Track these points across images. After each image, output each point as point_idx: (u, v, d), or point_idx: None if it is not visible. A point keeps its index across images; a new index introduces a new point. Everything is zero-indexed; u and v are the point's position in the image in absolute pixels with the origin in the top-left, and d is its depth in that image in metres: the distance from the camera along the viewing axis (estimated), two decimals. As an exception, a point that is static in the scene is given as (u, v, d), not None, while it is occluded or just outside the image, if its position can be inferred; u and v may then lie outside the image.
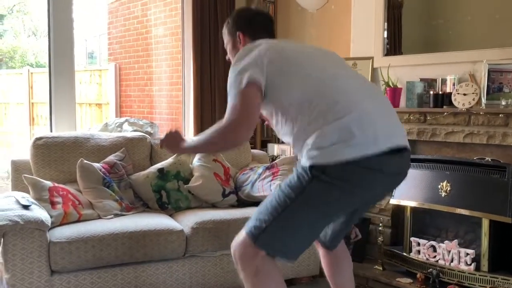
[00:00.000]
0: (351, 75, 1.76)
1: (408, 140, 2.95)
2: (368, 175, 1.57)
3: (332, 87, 1.63)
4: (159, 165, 2.95)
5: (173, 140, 1.83)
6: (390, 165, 1.60)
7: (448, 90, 2.87)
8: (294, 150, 1.72)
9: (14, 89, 7.09)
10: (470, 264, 2.58)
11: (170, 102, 5.68)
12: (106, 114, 6.52)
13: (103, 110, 6.59)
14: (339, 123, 1.55)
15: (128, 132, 4.81)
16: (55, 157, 2.77)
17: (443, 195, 2.72)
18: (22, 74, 6.87)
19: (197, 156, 3.08)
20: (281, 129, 1.71)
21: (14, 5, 11.32)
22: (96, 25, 8.65)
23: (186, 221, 2.62)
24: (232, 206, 2.96)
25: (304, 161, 1.59)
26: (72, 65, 3.35)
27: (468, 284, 2.55)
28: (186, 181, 2.94)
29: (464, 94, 2.74)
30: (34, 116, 6.71)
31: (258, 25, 1.90)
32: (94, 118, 6.62)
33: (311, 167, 1.56)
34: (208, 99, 3.78)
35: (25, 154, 2.88)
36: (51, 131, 3.26)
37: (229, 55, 1.96)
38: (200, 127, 3.75)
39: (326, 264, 2.02)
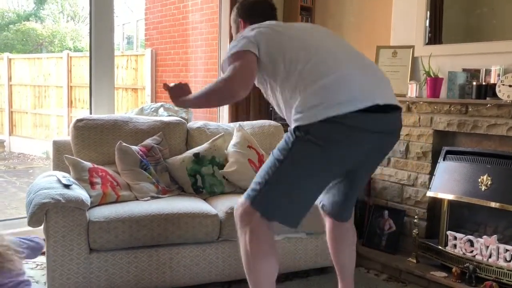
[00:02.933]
0: (338, 44, 1.87)
1: (448, 131, 2.91)
2: (347, 132, 1.64)
3: (315, 54, 1.75)
4: (195, 150, 2.98)
5: (180, 91, 1.92)
6: (369, 122, 1.66)
7: (492, 81, 2.77)
8: (287, 120, 1.84)
9: (53, 73, 7.28)
10: (510, 261, 2.51)
11: (204, 88, 5.71)
12: (141, 99, 6.62)
13: (139, 95, 6.70)
14: (318, 85, 1.66)
15: (165, 116, 4.88)
16: (95, 139, 2.84)
17: (483, 189, 2.65)
18: (62, 58, 7.04)
19: (232, 142, 3.10)
20: (273, 100, 1.86)
21: (55, -9, 11.58)
22: (133, 11, 8.76)
23: (221, 206, 2.65)
24: (266, 193, 2.96)
25: (291, 125, 1.71)
26: (112, 50, 3.41)
27: (507, 281, 2.48)
28: (221, 166, 2.96)
29: (510, 86, 2.64)
30: (73, 99, 6.88)
31: (257, 12, 2.06)
32: (130, 102, 6.74)
33: (296, 129, 1.67)
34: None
35: (63, 136, 2.95)
36: (90, 113, 3.34)
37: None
38: (235, 113, 3.76)
39: (330, 238, 2.11)
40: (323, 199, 2.04)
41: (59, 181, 2.43)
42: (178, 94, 1.91)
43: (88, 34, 3.37)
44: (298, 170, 1.70)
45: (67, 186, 2.37)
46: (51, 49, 10.61)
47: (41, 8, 11.67)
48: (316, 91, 1.66)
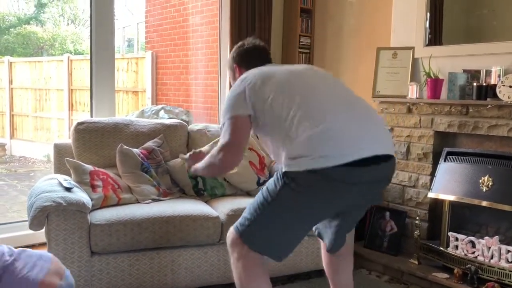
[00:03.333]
0: (331, 90, 1.86)
1: (449, 132, 2.90)
2: (331, 184, 1.67)
3: (304, 103, 1.76)
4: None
5: (196, 158, 2.14)
6: (354, 175, 1.68)
7: (492, 82, 2.77)
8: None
9: (54, 76, 7.29)
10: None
11: (206, 91, 5.72)
12: (142, 102, 6.63)
13: (139, 98, 6.70)
14: (305, 137, 1.67)
15: (165, 119, 4.89)
16: (96, 142, 2.84)
17: (484, 190, 2.65)
18: (62, 61, 7.05)
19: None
20: (268, 149, 1.92)
21: (55, -6, 11.61)
22: (134, 13, 8.77)
23: (222, 208, 2.65)
24: (267, 195, 2.96)
25: (281, 169, 1.75)
26: (113, 53, 3.41)
27: (509, 282, 2.48)
28: (222, 168, 2.96)
29: (510, 86, 2.64)
30: (73, 102, 6.89)
31: (250, 57, 2.11)
32: (131, 105, 6.74)
33: (284, 174, 1.72)
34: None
35: (64, 139, 2.95)
36: (91, 116, 3.34)
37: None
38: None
39: (326, 262, 2.14)
40: (318, 226, 2.06)
41: (60, 184, 2.43)
42: (194, 162, 2.12)
43: (89, 37, 3.38)
44: (285, 213, 1.75)
45: (68, 189, 2.37)
46: (52, 52, 10.63)
47: (42, 11, 11.70)
48: (302, 142, 1.68)
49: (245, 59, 2.12)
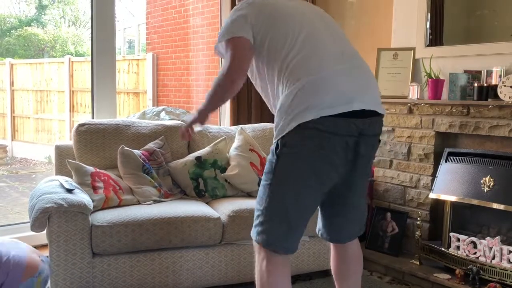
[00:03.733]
0: (331, 34, 1.81)
1: (450, 133, 2.90)
2: (320, 136, 1.61)
3: (304, 44, 1.71)
4: (197, 153, 2.99)
5: (186, 128, 1.97)
6: (342, 126, 1.63)
7: (493, 83, 2.77)
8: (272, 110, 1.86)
9: (55, 77, 7.31)
10: (513, 262, 2.51)
11: (207, 92, 5.72)
12: (143, 103, 6.64)
13: (140, 99, 6.71)
14: (299, 85, 1.64)
15: (166, 120, 4.88)
16: (97, 143, 2.84)
17: (485, 190, 2.65)
18: (63, 63, 7.06)
19: (234, 145, 3.10)
20: (260, 86, 1.88)
21: (56, -4, 11.63)
22: (135, 15, 8.79)
23: (223, 209, 2.65)
24: (268, 196, 2.96)
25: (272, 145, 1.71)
26: (113, 54, 3.42)
27: (510, 282, 2.47)
28: (223, 169, 2.96)
29: (511, 87, 2.64)
30: (74, 104, 6.90)
31: None
32: (132, 106, 6.75)
33: (275, 147, 1.68)
34: (244, 88, 3.78)
35: (66, 140, 2.95)
36: (92, 118, 3.34)
37: None
38: (236, 116, 3.76)
39: (334, 267, 2.00)
40: (318, 225, 1.97)
41: (62, 185, 2.44)
42: (189, 128, 1.97)
43: (90, 38, 3.38)
44: (286, 187, 1.68)
45: (69, 191, 2.38)
46: (53, 54, 10.65)
47: (43, 13, 11.72)
48: (294, 91, 1.64)
49: None
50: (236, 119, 3.76)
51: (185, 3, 5.96)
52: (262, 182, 1.75)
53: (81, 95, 6.85)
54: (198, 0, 5.68)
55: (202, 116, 1.90)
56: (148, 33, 6.77)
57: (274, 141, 1.71)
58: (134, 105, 6.76)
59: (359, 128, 1.67)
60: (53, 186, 2.43)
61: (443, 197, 2.84)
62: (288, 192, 1.68)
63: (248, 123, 3.65)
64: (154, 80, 6.49)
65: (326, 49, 1.73)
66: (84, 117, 6.75)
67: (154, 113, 5.53)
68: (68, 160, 2.66)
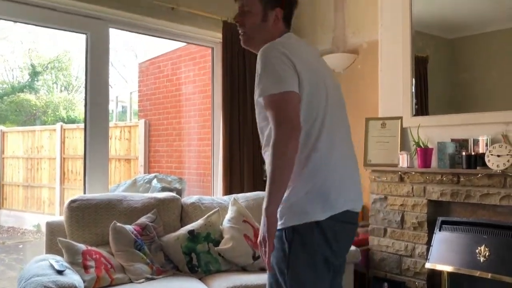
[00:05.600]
0: (341, 115, 1.76)
1: (442, 201, 2.92)
2: (325, 233, 1.60)
3: (323, 146, 1.61)
4: (189, 227, 2.96)
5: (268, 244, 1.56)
6: (340, 225, 1.65)
7: (480, 151, 2.83)
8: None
9: (46, 144, 7.31)
10: (515, 335, 2.46)
11: (199, 157, 5.75)
12: (134, 169, 6.63)
13: (132, 165, 6.71)
14: (312, 183, 1.58)
15: (157, 189, 4.85)
16: (89, 220, 2.81)
17: (481, 260, 2.63)
18: (55, 130, 7.10)
19: (227, 217, 3.08)
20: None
21: (49, 62, 11.91)
22: (127, 83, 8.97)
23: (217, 286, 2.59)
24: (262, 270, 2.91)
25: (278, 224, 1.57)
26: (107, 121, 3.46)
27: None
28: (216, 243, 2.93)
29: (498, 156, 2.70)
30: (65, 171, 6.87)
31: (292, 9, 1.73)
32: (123, 173, 6.73)
33: (284, 232, 1.58)
34: (236, 155, 3.81)
35: (55, 212, 2.91)
36: (84, 187, 3.32)
37: (246, 26, 1.68)
38: (229, 185, 3.77)
39: None
40: None
41: (52, 266, 2.38)
42: (268, 241, 1.56)
43: (83, 104, 3.39)
44: (305, 273, 1.60)
45: (60, 272, 2.32)
46: (45, 119, 10.74)
47: (36, 79, 11.94)
48: (308, 186, 1.59)
49: (290, 11, 1.70)
50: (229, 188, 3.76)
51: (176, 72, 6.13)
52: (274, 272, 1.61)
53: (72, 162, 6.83)
54: (190, 70, 5.85)
55: (274, 217, 1.54)
56: (140, 101, 6.89)
57: (280, 223, 1.56)
58: (125, 171, 6.75)
59: (353, 223, 1.77)
60: (43, 267, 2.37)
61: (439, 267, 2.82)
62: (307, 275, 1.60)
63: (241, 192, 3.64)
64: (146, 146, 6.53)
65: (339, 152, 1.67)
66: (74, 185, 6.69)
67: (146, 180, 5.50)
68: (59, 238, 2.62)
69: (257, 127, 1.73)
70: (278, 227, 1.58)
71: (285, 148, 1.47)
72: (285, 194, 1.57)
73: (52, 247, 2.76)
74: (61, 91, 12.35)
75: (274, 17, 1.67)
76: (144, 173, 6.26)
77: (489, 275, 2.58)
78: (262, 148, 1.71)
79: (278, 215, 1.56)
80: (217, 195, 3.85)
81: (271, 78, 1.52)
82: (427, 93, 3.31)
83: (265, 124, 1.65)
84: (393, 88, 3.36)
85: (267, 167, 1.54)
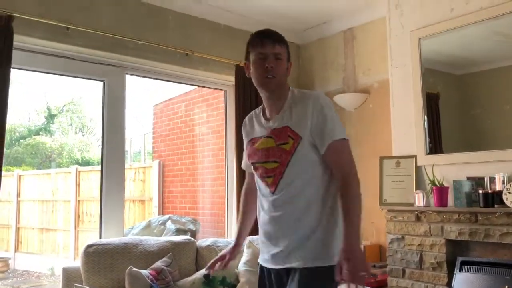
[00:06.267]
0: None
1: (460, 240, 2.87)
2: None
3: None
4: (204, 271, 2.93)
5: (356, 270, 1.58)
6: None
7: (497, 189, 2.80)
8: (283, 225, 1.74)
9: (62, 187, 7.39)
10: None
11: (213, 197, 5.76)
12: (149, 210, 6.65)
13: (146, 206, 6.73)
14: (338, 228, 1.69)
15: (171, 230, 4.84)
16: (105, 265, 2.81)
17: (505, 302, 2.56)
18: (70, 173, 7.19)
19: (243, 260, 3.06)
20: (294, 186, 1.73)
21: (64, 105, 12.18)
22: (142, 125, 9.13)
23: (234, 332, 2.55)
24: (280, 313, 2.86)
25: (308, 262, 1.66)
26: (123, 165, 3.49)
27: None
28: (233, 287, 2.90)
29: (516, 194, 2.66)
30: (80, 213, 6.91)
31: None
32: (137, 214, 6.75)
33: (317, 272, 1.65)
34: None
35: (70, 258, 2.91)
36: (100, 229, 3.33)
37: (280, 72, 1.80)
38: (243, 226, 3.74)
39: None
40: None
41: (69, 314, 2.37)
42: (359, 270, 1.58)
43: (98, 145, 3.45)
44: None
45: (76, 320, 2.31)
46: (59, 161, 10.88)
47: (51, 122, 12.18)
48: (338, 229, 1.70)
49: None
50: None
51: (190, 113, 6.22)
52: None
53: (87, 204, 6.88)
54: (203, 111, 5.94)
55: (359, 254, 1.61)
56: (155, 142, 6.98)
57: (310, 262, 1.67)
58: (140, 212, 6.77)
59: None
60: (60, 315, 2.37)
61: (461, 309, 2.74)
62: None
63: (256, 234, 3.61)
64: (160, 187, 6.56)
65: None
66: (89, 226, 6.71)
67: (160, 222, 5.50)
68: (76, 285, 2.62)
69: (277, 173, 1.76)
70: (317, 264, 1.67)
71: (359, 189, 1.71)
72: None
73: (68, 293, 2.75)
74: (75, 133, 12.57)
75: (289, 68, 1.88)
76: (159, 214, 6.26)
77: (514, 318, 2.50)
78: (283, 195, 1.74)
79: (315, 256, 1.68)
80: (231, 236, 3.83)
81: (340, 124, 1.76)
82: (440, 131, 3.31)
83: (307, 169, 1.73)
84: (406, 126, 3.37)
85: (347, 209, 1.65)
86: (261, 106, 1.94)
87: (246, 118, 2.00)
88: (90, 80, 3.47)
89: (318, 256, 1.68)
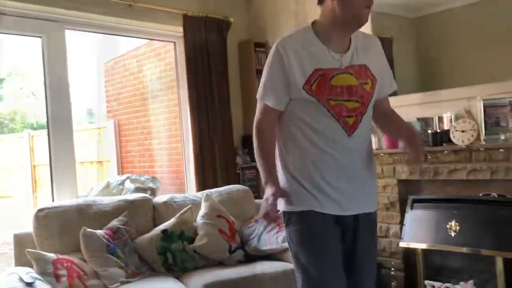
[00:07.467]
0: None
1: (411, 180, 2.95)
2: None
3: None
4: (162, 227, 2.92)
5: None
6: None
7: (445, 128, 2.86)
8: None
9: (15, 153, 7.13)
10: (489, 306, 2.51)
11: (170, 155, 5.68)
12: (107, 171, 6.53)
13: (105, 167, 6.60)
14: None
15: (130, 190, 4.76)
16: (58, 228, 2.74)
17: (453, 235, 2.68)
18: (22, 138, 6.92)
19: (200, 213, 3.05)
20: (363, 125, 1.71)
21: (13, 68, 11.57)
22: (92, 84, 8.78)
23: (194, 283, 2.57)
24: (240, 262, 2.90)
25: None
26: (70, 126, 3.36)
27: (489, 327, 2.46)
28: (191, 240, 2.90)
29: (463, 131, 2.73)
30: (37, 179, 6.72)
31: None
32: (96, 176, 6.62)
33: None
34: (208, 151, 3.78)
35: (28, 221, 2.82)
36: (52, 194, 3.24)
37: None
38: (202, 179, 3.73)
39: None
40: None
41: (21, 279, 2.31)
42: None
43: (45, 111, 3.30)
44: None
45: (29, 284, 2.25)
46: (13, 127, 10.45)
47: (0, 86, 11.60)
48: None
49: None
50: (202, 184, 3.72)
51: (142, 69, 6.02)
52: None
53: (44, 169, 6.68)
54: (156, 66, 5.74)
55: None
56: (108, 101, 6.75)
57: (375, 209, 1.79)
58: (99, 174, 6.64)
59: None
60: (12, 281, 2.30)
61: (413, 245, 2.85)
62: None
63: (215, 187, 3.60)
64: (117, 147, 6.42)
65: None
66: (46, 193, 6.53)
67: (119, 182, 5.39)
68: (28, 249, 2.54)
69: (358, 112, 1.68)
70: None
71: None
72: None
73: (21, 260, 2.67)
74: (28, 96, 12.04)
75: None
76: (118, 174, 6.16)
77: (462, 249, 2.62)
78: (361, 137, 1.71)
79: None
80: (191, 192, 3.81)
81: None
82: (394, 75, 3.30)
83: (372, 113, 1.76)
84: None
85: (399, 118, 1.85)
86: (303, 32, 1.70)
87: (286, 43, 1.67)
88: (26, 37, 3.26)
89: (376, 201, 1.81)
